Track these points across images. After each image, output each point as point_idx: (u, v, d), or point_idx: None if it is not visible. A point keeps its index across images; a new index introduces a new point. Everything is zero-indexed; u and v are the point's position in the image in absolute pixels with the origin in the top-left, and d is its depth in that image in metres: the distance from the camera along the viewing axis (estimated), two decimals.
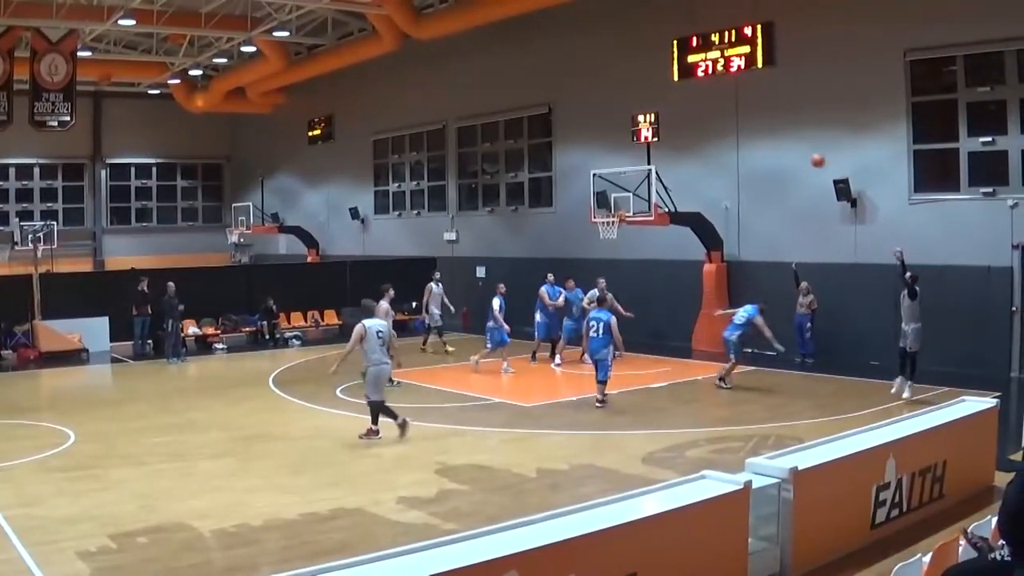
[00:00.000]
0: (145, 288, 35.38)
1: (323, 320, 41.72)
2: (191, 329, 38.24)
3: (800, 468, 12.04)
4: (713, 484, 11.61)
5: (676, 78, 34.49)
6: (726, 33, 32.91)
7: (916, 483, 13.76)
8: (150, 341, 36.39)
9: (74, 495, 16.72)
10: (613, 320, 23.93)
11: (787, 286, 30.39)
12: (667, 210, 32.12)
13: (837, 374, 27.41)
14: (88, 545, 13.87)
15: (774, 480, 11.99)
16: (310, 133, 57.55)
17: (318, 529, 14.66)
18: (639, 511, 10.75)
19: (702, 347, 32.58)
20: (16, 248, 51.37)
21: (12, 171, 61.32)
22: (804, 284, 30.12)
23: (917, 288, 23.16)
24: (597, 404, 23.91)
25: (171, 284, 33.81)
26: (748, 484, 11.46)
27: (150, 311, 35.51)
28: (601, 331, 23.81)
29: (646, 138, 33.06)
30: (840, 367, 27.90)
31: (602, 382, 23.96)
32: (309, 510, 15.54)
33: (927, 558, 8.87)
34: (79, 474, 18.33)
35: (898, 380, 23.20)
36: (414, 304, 39.23)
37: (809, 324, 30.32)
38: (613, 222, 32.59)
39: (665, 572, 10.52)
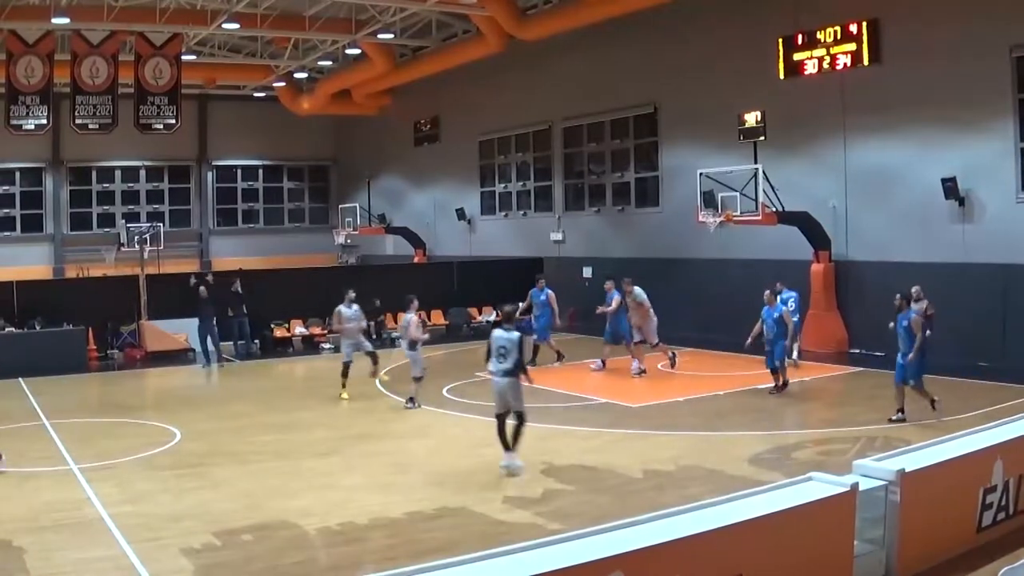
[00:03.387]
0: (239, 289, 35.75)
1: (430, 320, 41.92)
2: (298, 329, 38.66)
3: (907, 470, 11.96)
4: (820, 486, 11.56)
5: (782, 76, 34.24)
6: (832, 31, 32.63)
7: (1023, 486, 13.62)
8: (256, 341, 36.77)
9: (179, 492, 17.03)
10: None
11: (896, 287, 30.07)
12: (774, 209, 31.95)
13: (945, 375, 27.04)
14: (192, 542, 14.14)
15: (881, 482, 11.92)
16: (416, 134, 57.74)
17: (423, 528, 14.79)
18: (745, 512, 10.73)
19: (810, 347, 32.31)
20: (123, 249, 52.23)
21: (118, 173, 62.28)
22: (915, 289, 27.09)
23: None
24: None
25: (203, 288, 34.41)
26: (855, 486, 11.39)
27: (245, 311, 35.85)
28: None
29: (751, 137, 32.94)
30: (948, 368, 27.49)
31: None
32: (414, 509, 15.68)
33: None
34: (184, 472, 18.66)
35: None
36: (377, 302, 38.76)
37: (928, 332, 28.52)
38: (720, 222, 32.54)
39: (771, 574, 10.49)
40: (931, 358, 27.18)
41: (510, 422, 18.28)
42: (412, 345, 24.94)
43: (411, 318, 25.13)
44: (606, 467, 18.38)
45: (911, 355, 21.52)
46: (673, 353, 30.43)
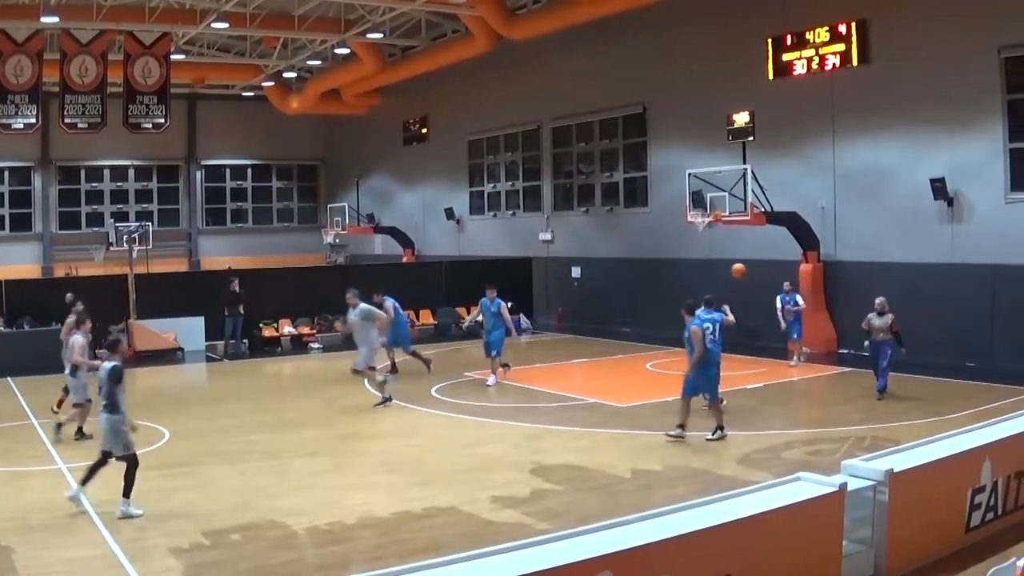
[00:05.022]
0: (236, 288, 35.79)
1: (418, 320, 41.87)
2: (287, 328, 38.62)
3: (896, 470, 11.98)
4: (808, 486, 11.58)
5: (771, 76, 34.28)
6: (820, 31, 32.66)
7: (1012, 486, 13.61)
8: (245, 341, 36.78)
9: (167, 492, 16.96)
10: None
11: (885, 287, 30.13)
12: (763, 210, 31.96)
13: (933, 375, 27.11)
14: (181, 542, 14.14)
15: (870, 482, 11.94)
16: (405, 134, 57.74)
17: (411, 527, 14.78)
18: (734, 512, 10.76)
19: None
20: (111, 249, 52.31)
21: (107, 172, 62.27)
22: (880, 300, 25.03)
23: None
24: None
25: (70, 295, 32.67)
26: (844, 486, 11.41)
27: (242, 311, 35.89)
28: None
29: (740, 137, 32.93)
30: (936, 368, 27.59)
31: None
32: (402, 508, 15.67)
33: (1021, 562, 8.80)
34: (173, 471, 18.60)
35: None
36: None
37: (890, 351, 24.61)
38: (709, 222, 32.54)
39: (759, 574, 10.51)
40: (920, 358, 27.41)
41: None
42: (73, 371, 21.26)
43: (78, 340, 21.36)
44: (594, 467, 18.38)
45: (689, 368, 20.77)
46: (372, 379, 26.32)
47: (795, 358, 30.20)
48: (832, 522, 11.30)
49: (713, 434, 20.38)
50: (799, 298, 30.12)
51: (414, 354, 30.72)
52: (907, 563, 12.01)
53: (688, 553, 10.00)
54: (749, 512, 10.81)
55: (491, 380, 28.28)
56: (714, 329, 21.70)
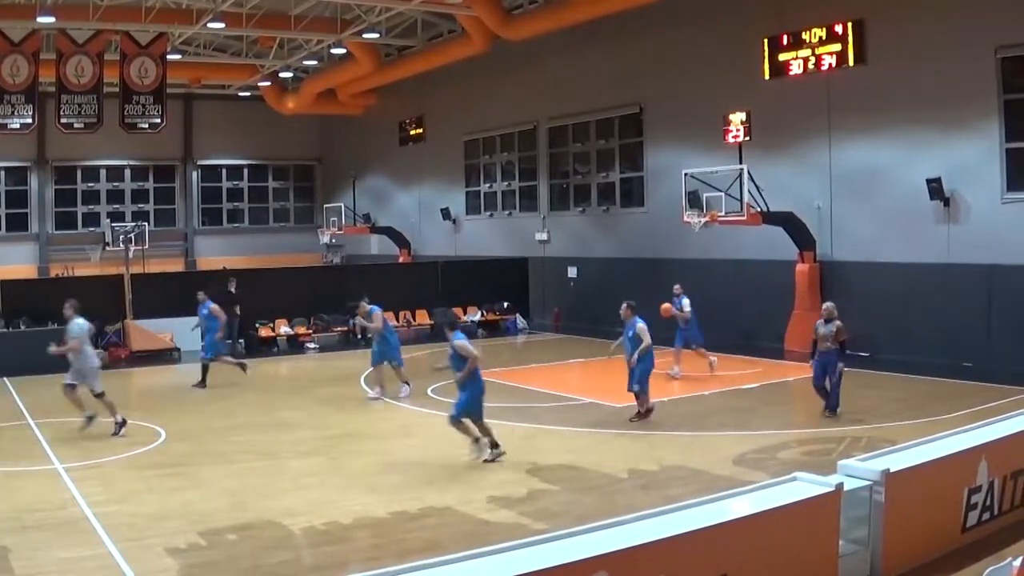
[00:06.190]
0: (233, 288, 35.74)
1: (415, 320, 41.84)
2: (283, 328, 38.58)
3: (892, 470, 11.96)
4: (804, 486, 11.56)
5: (767, 76, 34.26)
6: (817, 31, 32.64)
7: (1008, 486, 13.60)
8: (241, 340, 36.70)
9: (164, 492, 16.98)
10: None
11: (881, 287, 30.13)
12: (759, 210, 31.95)
13: (929, 375, 27.11)
14: (177, 542, 14.13)
15: (866, 482, 11.92)
16: (401, 134, 57.71)
17: (407, 528, 14.77)
18: (730, 513, 10.78)
19: (794, 347, 32.30)
20: (108, 249, 52.36)
21: (103, 172, 62.23)
22: (827, 306, 23.11)
23: None
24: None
25: None
26: (840, 486, 11.39)
27: (238, 311, 35.84)
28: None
29: (736, 137, 32.90)
30: (932, 368, 27.59)
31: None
32: (398, 508, 15.66)
33: (1018, 562, 8.79)
34: (169, 471, 18.60)
35: None
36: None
37: (840, 365, 22.54)
38: (705, 222, 32.48)
39: (756, 574, 10.49)
40: (916, 358, 27.40)
41: None
42: None
43: None
44: (591, 467, 18.36)
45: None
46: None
47: (709, 363, 28.70)
48: (828, 522, 11.29)
49: (490, 453, 19.07)
50: (686, 302, 28.14)
51: (224, 362, 29.90)
52: (903, 563, 12.00)
53: (684, 553, 9.99)
54: (745, 512, 10.83)
55: (404, 390, 26.81)
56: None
